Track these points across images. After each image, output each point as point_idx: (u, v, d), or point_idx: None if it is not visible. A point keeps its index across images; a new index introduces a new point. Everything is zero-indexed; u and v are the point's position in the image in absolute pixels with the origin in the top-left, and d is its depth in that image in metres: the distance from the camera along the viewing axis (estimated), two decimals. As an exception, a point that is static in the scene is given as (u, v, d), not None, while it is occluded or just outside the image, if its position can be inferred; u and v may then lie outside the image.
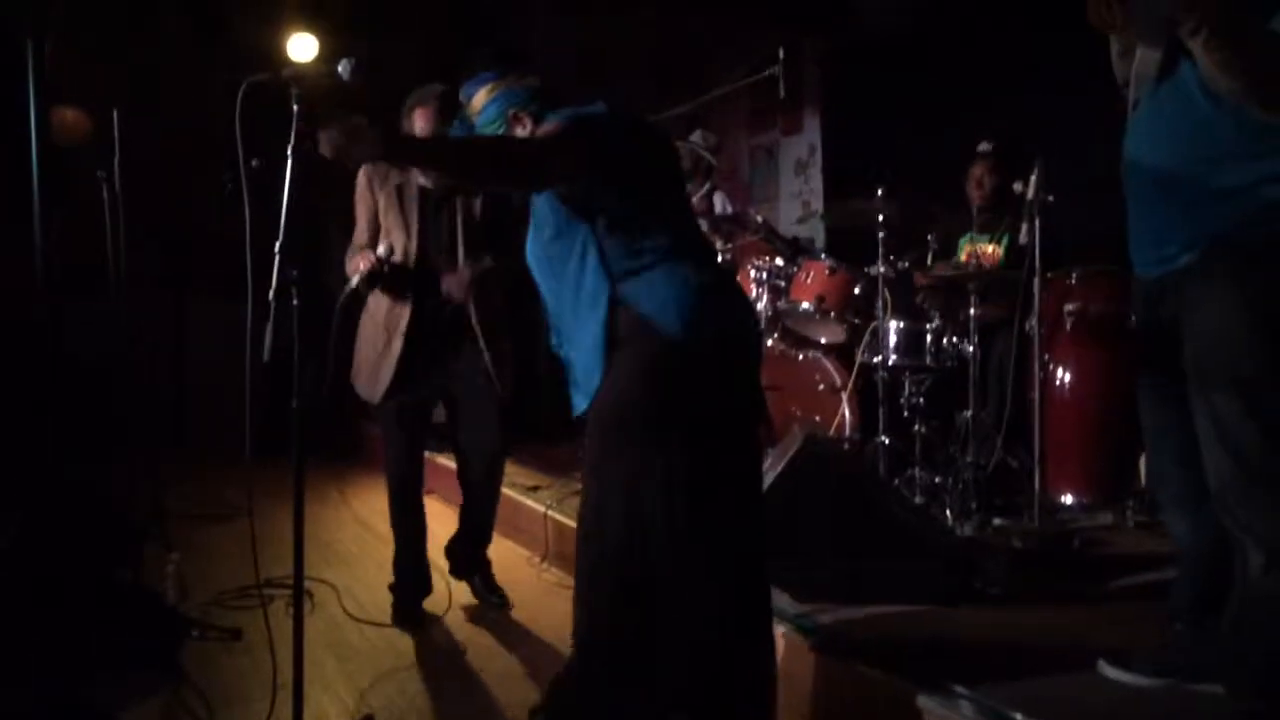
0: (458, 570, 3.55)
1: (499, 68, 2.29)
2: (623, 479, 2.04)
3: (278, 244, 2.31)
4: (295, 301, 2.35)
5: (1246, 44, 1.82)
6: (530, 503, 4.32)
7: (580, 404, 2.15)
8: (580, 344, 2.13)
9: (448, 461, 3.95)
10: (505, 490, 3.72)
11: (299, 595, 2.22)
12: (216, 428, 5.52)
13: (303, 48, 6.53)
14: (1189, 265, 1.98)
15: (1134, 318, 2.28)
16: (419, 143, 2.77)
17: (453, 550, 3.55)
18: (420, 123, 3.19)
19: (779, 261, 4.55)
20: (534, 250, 2.24)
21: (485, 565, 3.55)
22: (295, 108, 2.32)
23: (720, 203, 5.82)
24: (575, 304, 2.13)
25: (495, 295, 3.32)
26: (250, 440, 2.43)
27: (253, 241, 2.32)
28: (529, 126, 2.24)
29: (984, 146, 4.56)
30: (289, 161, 2.29)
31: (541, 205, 2.19)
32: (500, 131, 2.26)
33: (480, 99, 2.28)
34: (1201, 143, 1.94)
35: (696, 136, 5.89)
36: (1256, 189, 1.91)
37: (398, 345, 3.21)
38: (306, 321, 2.33)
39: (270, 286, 2.30)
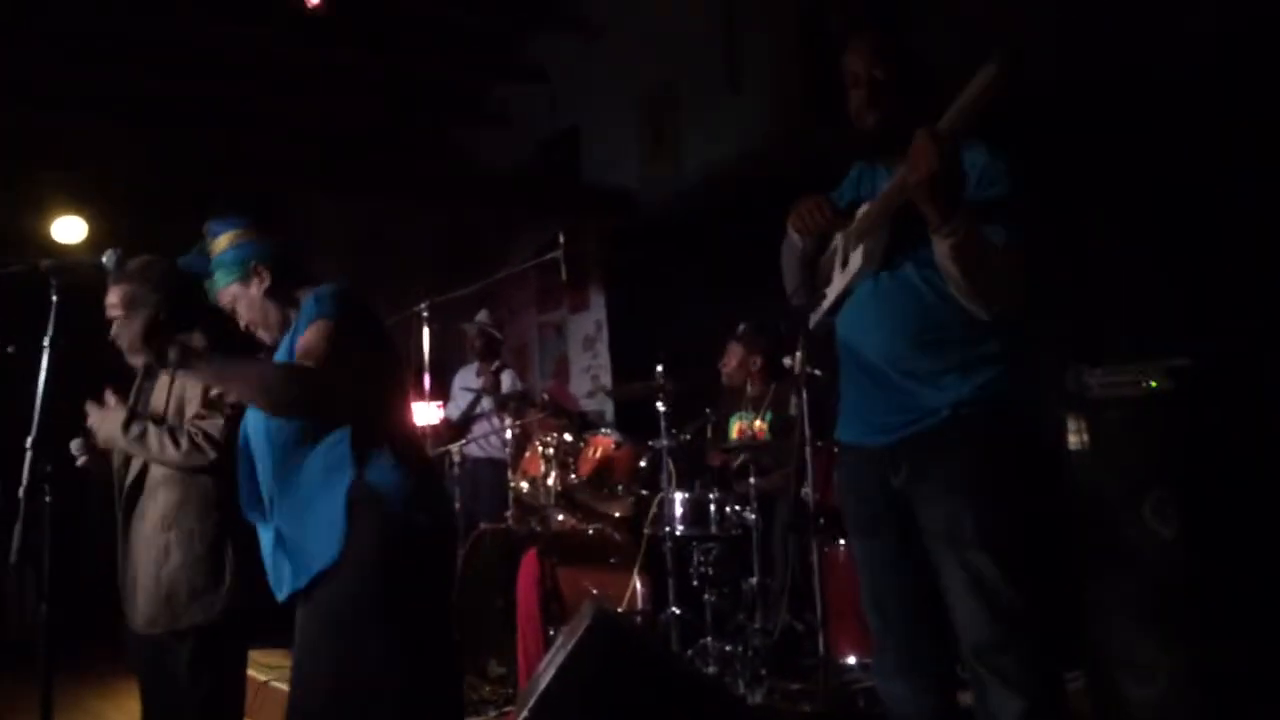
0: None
1: (250, 216, 2.29)
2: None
3: (30, 438, 2.20)
4: (48, 499, 2.22)
5: (983, 250, 2.02)
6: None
7: (292, 582, 2.09)
8: (305, 520, 2.09)
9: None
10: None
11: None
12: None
13: (69, 231, 6.32)
14: (926, 433, 2.11)
15: (848, 488, 2.34)
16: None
17: None
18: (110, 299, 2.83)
19: (567, 437, 4.63)
20: (259, 419, 2.17)
21: None
22: (55, 299, 2.26)
23: (509, 381, 5.91)
24: (304, 479, 2.11)
25: None
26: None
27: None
28: (265, 282, 2.24)
29: (740, 328, 4.87)
30: (45, 353, 2.21)
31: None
32: (235, 278, 2.24)
33: (224, 242, 2.26)
34: (930, 326, 2.13)
35: (482, 315, 6.02)
36: (982, 365, 2.11)
37: None
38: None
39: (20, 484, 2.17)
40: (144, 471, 2.69)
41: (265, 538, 2.16)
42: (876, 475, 2.20)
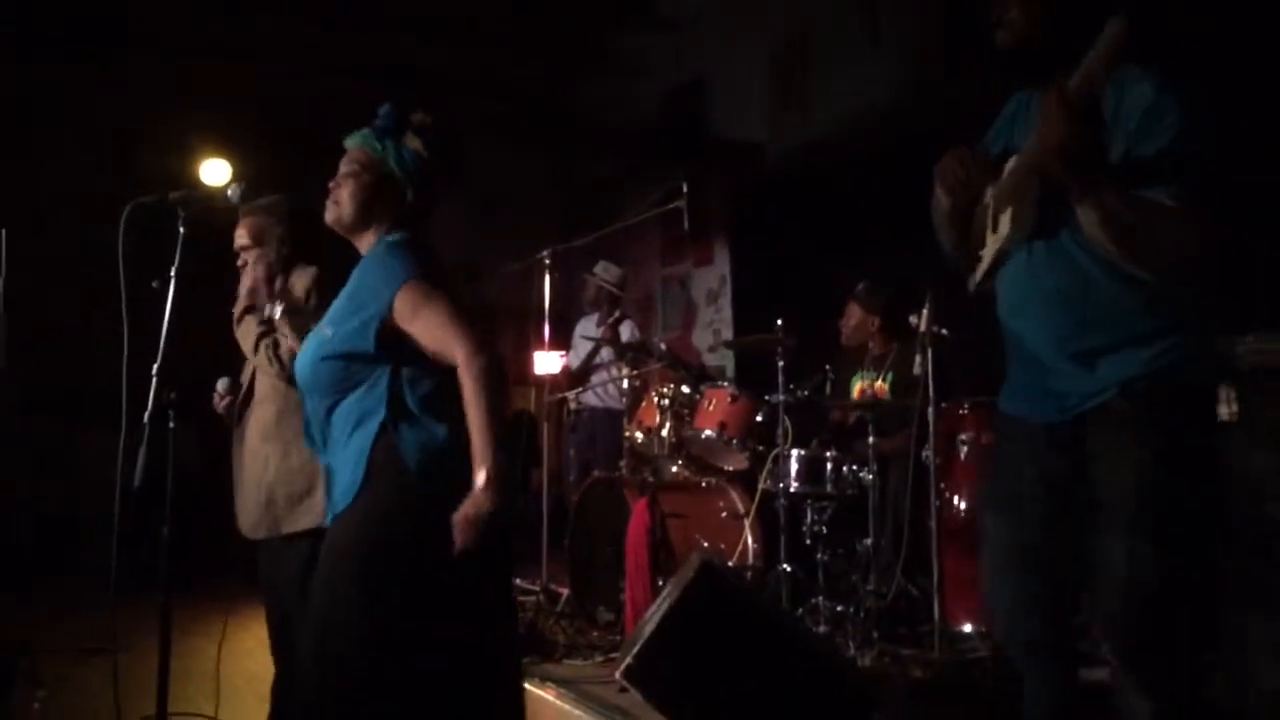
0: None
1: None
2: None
3: (155, 366, 2.27)
4: (171, 425, 2.30)
5: (1138, 216, 1.84)
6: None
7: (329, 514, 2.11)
8: (339, 459, 2.08)
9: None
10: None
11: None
12: (91, 559, 5.28)
13: (215, 173, 6.56)
14: (1092, 415, 1.97)
15: (1004, 460, 2.20)
16: None
17: None
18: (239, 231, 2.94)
19: (684, 389, 4.59)
20: (317, 353, 2.13)
21: None
22: (181, 231, 2.32)
23: (628, 331, 5.90)
24: (345, 418, 2.08)
25: None
26: (114, 571, 2.33)
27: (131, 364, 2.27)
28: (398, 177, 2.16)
29: (859, 286, 4.72)
30: (170, 284, 2.27)
31: (353, 327, 2.08)
32: (373, 147, 2.15)
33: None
34: (1093, 303, 1.96)
35: (599, 268, 6.01)
36: (1154, 339, 1.94)
37: None
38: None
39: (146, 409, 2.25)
40: (250, 388, 2.83)
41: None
42: (1036, 452, 2.06)
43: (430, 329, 2.01)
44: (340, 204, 2.14)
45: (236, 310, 2.86)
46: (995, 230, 2.11)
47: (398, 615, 1.95)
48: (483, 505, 1.90)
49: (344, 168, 2.15)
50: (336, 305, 2.15)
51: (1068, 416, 2.01)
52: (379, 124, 2.16)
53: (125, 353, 2.25)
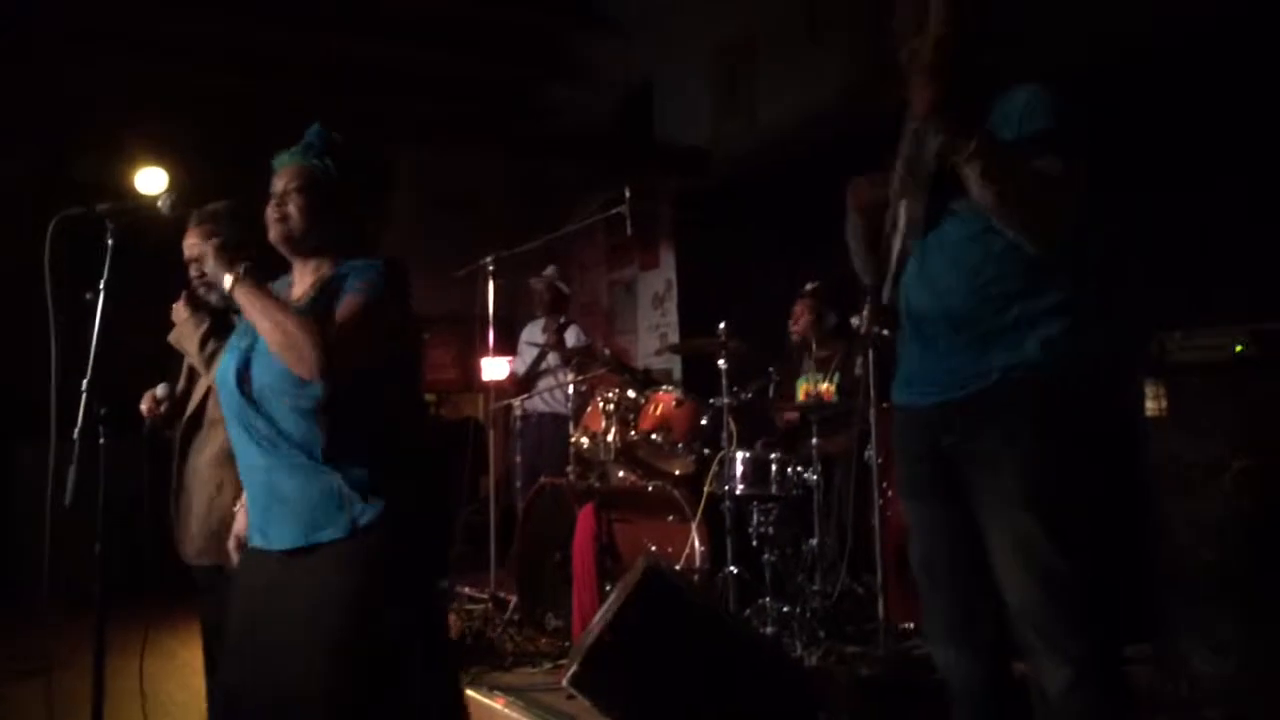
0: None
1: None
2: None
3: (85, 380, 2.24)
4: (102, 440, 2.26)
5: (1014, 166, 1.95)
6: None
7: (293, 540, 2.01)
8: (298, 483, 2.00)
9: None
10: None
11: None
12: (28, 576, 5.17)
13: (151, 181, 6.44)
14: (978, 394, 2.04)
15: (899, 449, 2.30)
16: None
17: None
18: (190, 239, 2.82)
19: (629, 393, 4.60)
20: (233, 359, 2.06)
21: None
22: (110, 242, 2.28)
23: (573, 336, 5.90)
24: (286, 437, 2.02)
25: None
26: (46, 587, 2.29)
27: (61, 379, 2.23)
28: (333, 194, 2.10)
29: (808, 286, 4.76)
30: (99, 295, 2.23)
31: None
32: (308, 163, 2.09)
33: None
34: (985, 278, 2.05)
35: (550, 271, 6.00)
36: (1044, 320, 2.02)
37: None
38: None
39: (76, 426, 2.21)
40: (201, 407, 2.74)
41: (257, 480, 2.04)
42: (928, 437, 2.14)
43: (349, 301, 1.96)
44: (289, 219, 2.05)
45: (176, 316, 2.76)
46: (896, 229, 2.20)
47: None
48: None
49: (284, 184, 2.06)
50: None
51: (956, 396, 2.08)
52: (311, 142, 2.10)
53: (54, 367, 2.20)
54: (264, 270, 2.65)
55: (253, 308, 1.97)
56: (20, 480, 6.19)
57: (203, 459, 2.72)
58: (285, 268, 2.17)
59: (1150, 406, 3.15)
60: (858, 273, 2.40)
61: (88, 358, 2.27)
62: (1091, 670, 1.93)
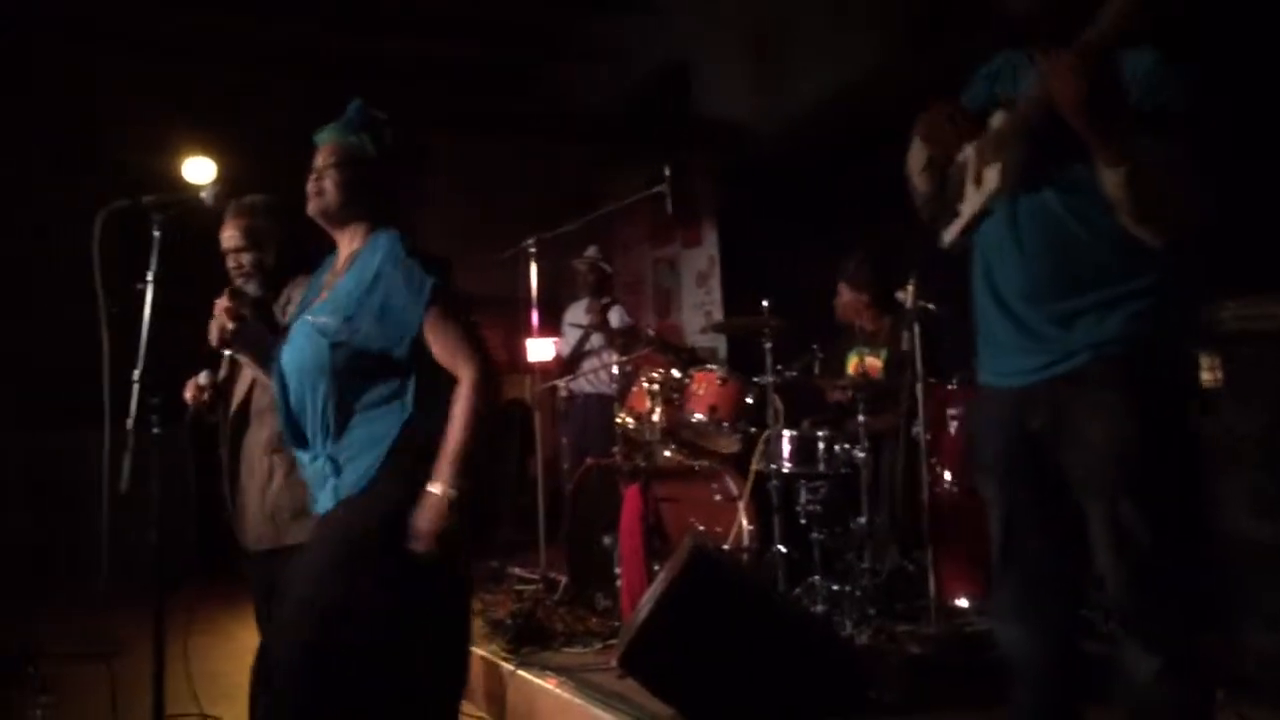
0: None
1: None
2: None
3: (136, 372, 2.27)
4: (155, 430, 2.30)
5: (1159, 175, 1.85)
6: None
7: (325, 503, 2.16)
8: (352, 448, 2.12)
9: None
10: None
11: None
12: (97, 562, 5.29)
13: (199, 171, 6.53)
14: (1068, 375, 1.97)
15: (982, 429, 2.24)
16: None
17: None
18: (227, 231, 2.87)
19: (674, 373, 4.58)
20: (321, 340, 2.15)
21: None
22: (156, 234, 2.31)
23: (617, 316, 5.89)
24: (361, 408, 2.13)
25: None
26: (106, 572, 2.35)
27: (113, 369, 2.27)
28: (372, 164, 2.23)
29: (850, 264, 4.71)
30: (148, 287, 2.27)
31: (381, 330, 2.13)
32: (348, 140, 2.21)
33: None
34: (1076, 262, 1.97)
35: (592, 251, 6.00)
36: (1129, 301, 1.95)
37: None
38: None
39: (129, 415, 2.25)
40: (248, 397, 2.77)
41: (313, 467, 2.19)
42: (1014, 419, 2.07)
43: (445, 347, 2.10)
44: (325, 194, 2.20)
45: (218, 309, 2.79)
46: (979, 184, 2.09)
47: (410, 598, 2.04)
48: (440, 518, 2.00)
49: (322, 160, 2.21)
50: (340, 296, 2.16)
51: (1035, 380, 2.02)
52: (351, 118, 2.23)
53: (106, 358, 2.25)
54: (299, 248, 2.73)
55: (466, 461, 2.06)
56: (91, 465, 6.34)
57: (254, 450, 2.76)
58: (321, 240, 2.32)
59: (1206, 378, 3.08)
60: (917, 206, 2.29)
61: (139, 347, 2.31)
62: (1180, 659, 1.89)
